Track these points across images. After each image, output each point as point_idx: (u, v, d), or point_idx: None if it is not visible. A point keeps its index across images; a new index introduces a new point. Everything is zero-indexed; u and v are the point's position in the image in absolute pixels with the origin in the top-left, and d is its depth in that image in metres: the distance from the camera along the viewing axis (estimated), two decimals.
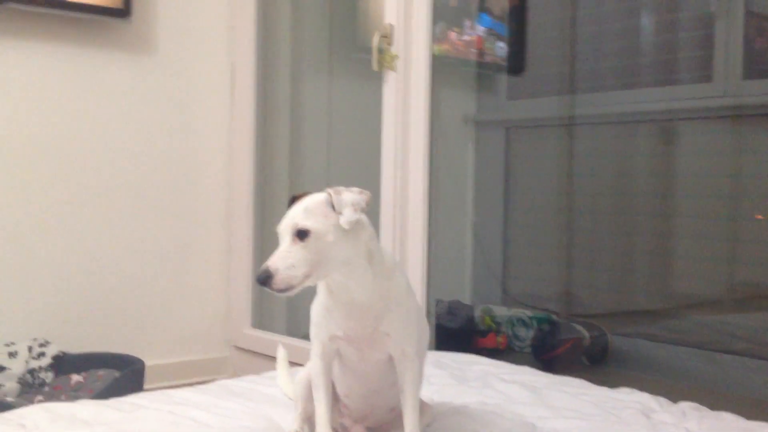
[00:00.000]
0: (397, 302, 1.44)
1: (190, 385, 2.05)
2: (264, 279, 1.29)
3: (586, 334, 3.27)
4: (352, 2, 3.46)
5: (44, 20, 2.92)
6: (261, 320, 3.38)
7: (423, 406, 1.59)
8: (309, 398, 1.53)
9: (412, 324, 1.47)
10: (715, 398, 2.28)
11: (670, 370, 3.18)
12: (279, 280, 1.29)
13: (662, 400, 1.93)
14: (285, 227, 1.34)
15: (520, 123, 3.98)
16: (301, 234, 1.33)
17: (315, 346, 1.48)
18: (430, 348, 2.75)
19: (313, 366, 1.48)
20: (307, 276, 1.32)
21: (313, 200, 1.37)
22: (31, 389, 2.67)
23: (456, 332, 3.37)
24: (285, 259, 1.31)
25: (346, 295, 1.41)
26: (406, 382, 1.45)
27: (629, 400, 1.93)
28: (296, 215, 1.34)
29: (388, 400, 1.53)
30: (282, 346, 1.98)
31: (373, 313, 1.42)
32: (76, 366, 2.73)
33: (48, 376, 2.71)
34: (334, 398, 1.54)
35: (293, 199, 1.41)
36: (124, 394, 1.95)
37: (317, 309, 1.46)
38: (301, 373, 1.59)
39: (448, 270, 3.67)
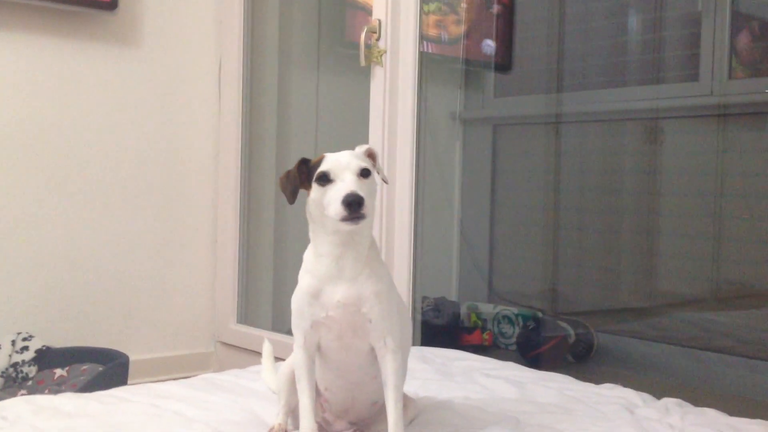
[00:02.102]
0: (381, 288, 1.44)
1: (175, 380, 2.05)
2: (360, 201, 1.33)
3: (571, 331, 3.28)
4: None
5: (30, 12, 2.90)
6: (246, 316, 3.37)
7: (407, 401, 1.59)
8: (292, 391, 1.52)
9: (394, 315, 1.46)
10: (698, 395, 2.30)
11: (654, 367, 3.19)
12: (366, 206, 1.34)
13: (646, 395, 1.93)
14: (346, 166, 1.38)
15: (507, 120, 3.99)
16: (365, 173, 1.39)
17: (297, 336, 1.47)
18: (416, 344, 2.76)
19: (296, 357, 1.47)
20: (372, 210, 1.39)
21: (356, 151, 1.44)
22: (14, 383, 2.66)
23: (442, 329, 3.37)
24: (361, 189, 1.35)
25: (336, 266, 1.42)
26: (388, 375, 1.44)
27: (613, 395, 1.94)
28: (352, 158, 1.40)
29: (370, 393, 1.53)
30: (268, 341, 1.98)
31: (356, 286, 1.42)
32: (59, 360, 2.72)
33: (31, 371, 2.70)
34: (316, 393, 1.54)
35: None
36: (108, 389, 1.94)
37: (298, 297, 1.46)
38: (284, 366, 1.58)
39: (435, 267, 3.68)
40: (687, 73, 3.42)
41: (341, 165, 1.38)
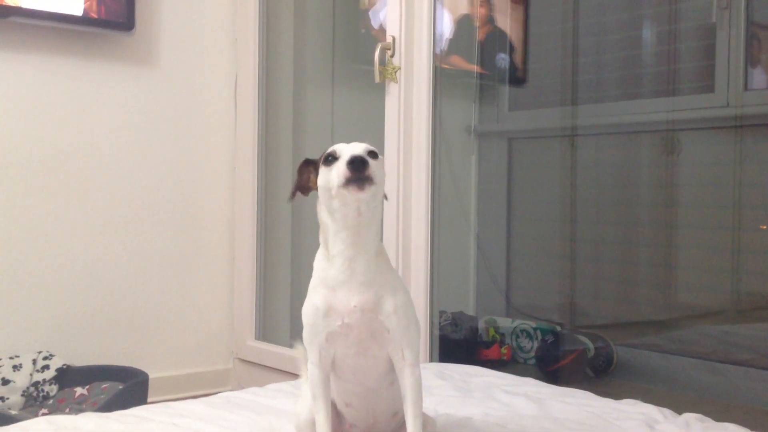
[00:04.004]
0: (398, 299, 1.42)
1: (194, 397, 2.05)
2: (364, 161, 1.33)
3: (590, 345, 3.26)
4: (354, 14, 3.47)
5: (48, 34, 2.93)
6: (264, 332, 3.38)
7: (425, 419, 1.56)
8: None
9: (412, 327, 1.44)
10: (719, 409, 2.28)
11: (674, 380, 3.17)
12: (372, 166, 1.34)
13: (666, 411, 1.92)
14: (355, 147, 1.38)
15: (523, 134, 3.99)
16: (373, 154, 1.39)
17: (311, 353, 1.44)
18: (433, 359, 2.75)
19: (311, 375, 1.45)
20: (376, 187, 1.36)
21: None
22: (35, 402, 2.68)
23: (460, 343, 3.36)
24: (368, 162, 1.35)
25: (348, 267, 1.40)
26: (407, 389, 1.42)
27: (633, 411, 1.92)
28: (359, 143, 1.40)
29: (389, 402, 1.50)
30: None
31: (372, 292, 1.40)
32: (79, 379, 2.73)
33: (52, 389, 2.71)
34: (339, 420, 1.52)
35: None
36: (127, 407, 1.95)
37: (310, 310, 1.43)
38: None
39: (452, 281, 3.67)
40: (702, 84, 3.41)
41: (348, 146, 1.39)
